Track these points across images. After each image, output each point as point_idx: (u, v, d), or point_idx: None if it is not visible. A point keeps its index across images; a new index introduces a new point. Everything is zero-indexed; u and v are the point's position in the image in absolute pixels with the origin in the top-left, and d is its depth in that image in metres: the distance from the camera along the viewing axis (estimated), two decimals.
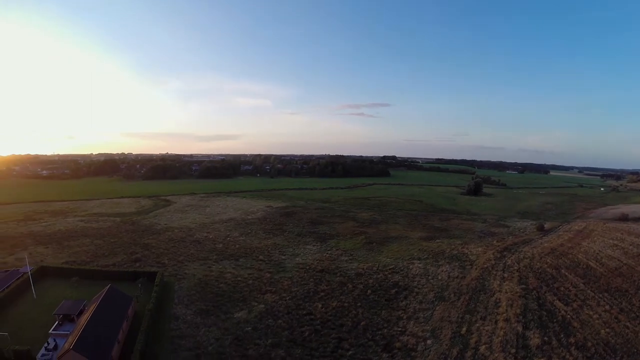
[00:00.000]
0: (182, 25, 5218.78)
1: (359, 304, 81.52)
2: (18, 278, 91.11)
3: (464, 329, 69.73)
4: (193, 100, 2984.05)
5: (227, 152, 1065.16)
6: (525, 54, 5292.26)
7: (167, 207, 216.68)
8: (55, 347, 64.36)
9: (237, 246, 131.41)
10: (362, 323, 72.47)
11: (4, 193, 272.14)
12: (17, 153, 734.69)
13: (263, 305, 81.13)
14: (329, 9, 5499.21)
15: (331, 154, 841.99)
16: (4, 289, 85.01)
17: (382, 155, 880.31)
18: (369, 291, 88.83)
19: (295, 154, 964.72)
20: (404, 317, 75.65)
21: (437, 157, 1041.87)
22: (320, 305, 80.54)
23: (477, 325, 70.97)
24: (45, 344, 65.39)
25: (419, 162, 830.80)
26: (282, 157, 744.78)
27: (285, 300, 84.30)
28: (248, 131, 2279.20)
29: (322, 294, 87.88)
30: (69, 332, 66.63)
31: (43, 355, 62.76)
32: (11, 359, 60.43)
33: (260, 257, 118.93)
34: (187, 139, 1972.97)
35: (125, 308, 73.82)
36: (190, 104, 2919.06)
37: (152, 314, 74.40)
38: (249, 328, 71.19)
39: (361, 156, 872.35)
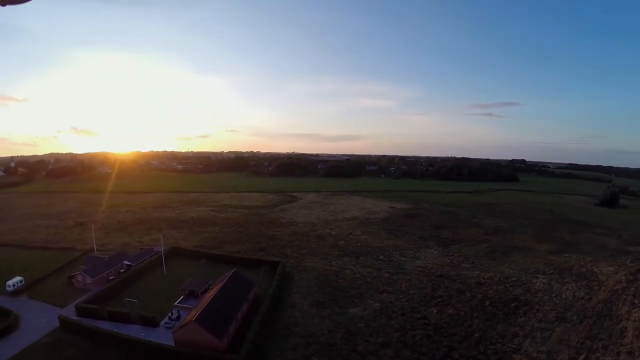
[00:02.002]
0: (306, 29, 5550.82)
1: (475, 315, 79.42)
2: (152, 255, 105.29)
3: (582, 356, 65.26)
4: (318, 101, 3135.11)
5: (351, 152, 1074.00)
6: None
7: (293, 202, 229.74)
8: (178, 318, 70.83)
9: (359, 244, 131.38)
10: (476, 335, 71.11)
11: (143, 184, 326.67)
12: (155, 150, 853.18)
13: (378, 304, 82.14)
14: (453, 8, 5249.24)
15: (456, 156, 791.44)
16: (138, 264, 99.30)
17: (510, 158, 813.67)
18: (487, 302, 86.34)
19: (420, 155, 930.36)
20: (521, 334, 72.78)
21: (569, 162, 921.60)
22: (435, 311, 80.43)
23: (597, 354, 65.72)
24: (170, 314, 72.36)
25: (549, 167, 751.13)
26: (407, 158, 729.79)
27: (401, 301, 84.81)
28: (372, 132, 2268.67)
29: (439, 299, 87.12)
30: (192, 306, 72.52)
31: (166, 323, 69.41)
32: (137, 323, 68.92)
33: (381, 256, 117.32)
34: (313, 138, 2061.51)
35: (247, 291, 78.08)
36: (316, 105, 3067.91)
37: (271, 299, 77.29)
38: (362, 324, 72.85)
39: (488, 159, 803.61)
